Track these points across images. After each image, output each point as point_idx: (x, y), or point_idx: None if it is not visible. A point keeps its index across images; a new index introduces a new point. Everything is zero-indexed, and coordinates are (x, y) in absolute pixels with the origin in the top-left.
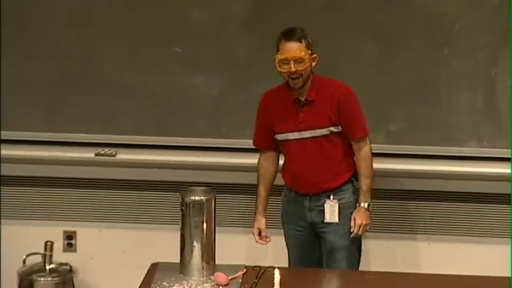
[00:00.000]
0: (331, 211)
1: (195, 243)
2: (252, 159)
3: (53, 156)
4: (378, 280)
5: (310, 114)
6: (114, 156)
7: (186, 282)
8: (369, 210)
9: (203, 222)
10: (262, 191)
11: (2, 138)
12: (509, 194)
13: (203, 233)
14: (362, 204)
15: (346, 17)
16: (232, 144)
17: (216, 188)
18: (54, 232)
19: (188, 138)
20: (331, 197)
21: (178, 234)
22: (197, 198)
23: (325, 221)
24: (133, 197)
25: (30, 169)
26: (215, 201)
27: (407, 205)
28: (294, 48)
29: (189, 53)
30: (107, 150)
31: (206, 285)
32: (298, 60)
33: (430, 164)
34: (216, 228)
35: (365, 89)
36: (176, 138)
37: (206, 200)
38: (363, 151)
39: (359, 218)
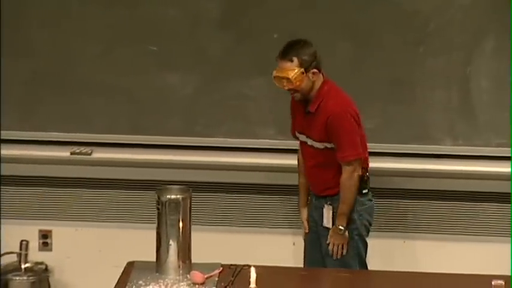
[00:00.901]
0: (327, 217)
1: (171, 242)
2: (227, 158)
3: (28, 155)
4: (351, 279)
5: (311, 125)
6: (90, 155)
7: (162, 281)
8: (342, 233)
9: (179, 221)
10: (300, 183)
11: None
12: (488, 192)
13: (179, 232)
14: (336, 225)
15: (321, 16)
16: (207, 143)
17: (192, 187)
18: (30, 231)
19: (163, 136)
20: (328, 203)
21: (154, 233)
22: (173, 196)
23: (323, 224)
24: (109, 196)
25: (5, 168)
26: (191, 199)
27: (383, 203)
28: (283, 68)
29: (163, 52)
30: (82, 149)
31: (182, 283)
32: (287, 80)
33: (405, 162)
34: (192, 226)
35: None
36: (151, 136)
37: (182, 198)
38: (343, 176)
39: (330, 238)
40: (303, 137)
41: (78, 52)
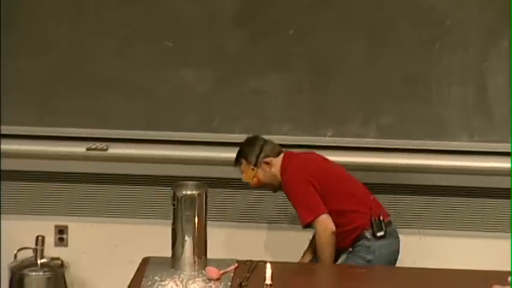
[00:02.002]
0: None
1: (186, 238)
2: None
3: (44, 151)
4: (367, 274)
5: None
6: (106, 150)
7: (177, 276)
8: None
9: (195, 217)
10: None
11: None
12: (503, 188)
13: (195, 228)
14: None
15: (336, 12)
16: (223, 139)
17: (208, 183)
18: (46, 226)
19: (179, 132)
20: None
21: (169, 229)
22: (189, 192)
23: None
24: (125, 192)
25: (22, 164)
26: (207, 195)
27: (399, 199)
28: (241, 172)
29: (179, 48)
30: (98, 144)
31: (198, 279)
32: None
33: (421, 158)
34: (208, 222)
35: (356, 84)
36: (167, 132)
37: (198, 194)
38: (316, 236)
39: None
40: None
41: (94, 49)
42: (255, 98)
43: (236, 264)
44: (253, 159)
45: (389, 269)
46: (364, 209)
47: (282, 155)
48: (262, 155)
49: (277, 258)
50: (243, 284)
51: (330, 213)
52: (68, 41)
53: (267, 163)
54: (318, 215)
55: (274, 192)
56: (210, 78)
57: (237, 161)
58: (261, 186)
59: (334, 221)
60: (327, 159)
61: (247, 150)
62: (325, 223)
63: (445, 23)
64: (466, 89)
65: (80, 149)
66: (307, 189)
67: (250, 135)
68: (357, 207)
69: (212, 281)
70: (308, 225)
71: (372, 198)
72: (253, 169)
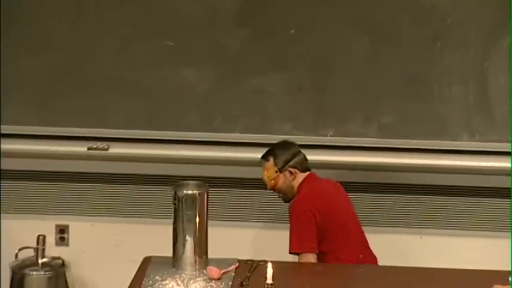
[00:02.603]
0: None
1: (187, 237)
2: (244, 153)
3: (45, 151)
4: (367, 274)
5: None
6: (107, 150)
7: (178, 276)
8: None
9: (196, 216)
10: None
11: None
12: (505, 188)
13: (196, 227)
14: None
15: (338, 11)
16: (224, 138)
17: (209, 182)
18: (47, 226)
19: (180, 132)
20: None
21: (170, 228)
22: (190, 192)
23: None
24: (126, 191)
25: (23, 163)
26: (208, 195)
27: (399, 199)
28: (263, 167)
29: (180, 47)
30: (99, 144)
31: (199, 279)
32: (265, 181)
33: (422, 157)
34: (209, 222)
35: (357, 83)
36: (168, 132)
37: (199, 194)
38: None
39: None
40: None
41: (95, 48)
42: (256, 97)
43: (237, 264)
44: (281, 163)
45: (390, 269)
46: (353, 257)
47: (307, 174)
48: (291, 163)
49: (279, 257)
50: (244, 283)
51: (320, 249)
52: (69, 40)
53: (292, 173)
54: (306, 251)
55: (284, 202)
56: (211, 77)
57: (264, 157)
58: (275, 190)
59: (320, 258)
60: (341, 194)
61: (279, 152)
62: (309, 261)
63: (446, 22)
64: (467, 88)
65: (80, 148)
66: (308, 221)
67: (287, 139)
68: (346, 255)
69: (213, 281)
70: (290, 251)
71: (366, 246)
72: (276, 171)
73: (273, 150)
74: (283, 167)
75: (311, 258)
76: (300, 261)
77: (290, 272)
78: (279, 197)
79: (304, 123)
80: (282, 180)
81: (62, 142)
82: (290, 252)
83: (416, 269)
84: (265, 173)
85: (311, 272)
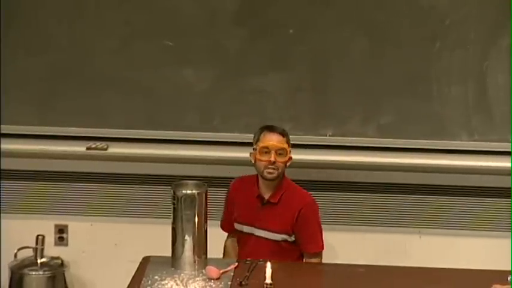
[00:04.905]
0: None
1: (186, 237)
2: (243, 153)
3: (44, 150)
4: (367, 274)
5: (269, 216)
6: (106, 150)
7: (177, 276)
8: None
9: (195, 216)
10: None
11: None
12: (504, 187)
13: (195, 227)
14: None
15: (337, 12)
16: (223, 138)
17: (208, 182)
18: (46, 226)
19: (179, 131)
20: None
21: (170, 228)
22: (189, 192)
23: None
24: (125, 191)
25: (22, 163)
26: (207, 195)
27: (398, 198)
28: (277, 139)
29: (180, 47)
30: (98, 144)
31: (198, 278)
32: (280, 151)
33: (421, 157)
34: (208, 222)
35: (356, 83)
36: (167, 132)
37: (198, 193)
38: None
39: None
40: (249, 229)
41: (94, 48)
42: (255, 97)
43: (236, 264)
44: (290, 145)
45: (389, 269)
46: None
47: None
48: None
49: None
50: (243, 283)
51: None
52: (68, 40)
53: (289, 161)
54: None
55: (269, 180)
56: (210, 77)
57: (277, 129)
58: (279, 167)
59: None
60: None
61: (288, 136)
62: (321, 259)
63: (445, 22)
64: (466, 88)
65: (80, 148)
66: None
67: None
68: None
69: (212, 281)
70: (312, 254)
71: None
72: (289, 152)
73: (283, 129)
74: (290, 149)
75: (321, 258)
76: (319, 258)
77: (289, 272)
78: (268, 173)
79: (303, 123)
80: (289, 161)
81: (61, 142)
82: (314, 252)
83: (415, 268)
84: (285, 145)
85: (310, 272)
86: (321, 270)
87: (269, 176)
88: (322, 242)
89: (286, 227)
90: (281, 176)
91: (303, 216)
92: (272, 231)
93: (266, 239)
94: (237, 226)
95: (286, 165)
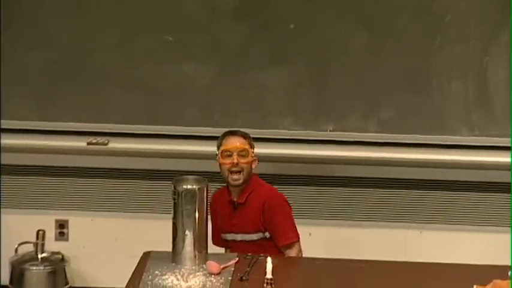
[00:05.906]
0: None
1: (187, 232)
2: None
3: (44, 145)
4: (368, 269)
5: (242, 218)
6: (106, 145)
7: (178, 271)
8: None
9: (195, 211)
10: None
11: None
12: (504, 182)
13: (195, 222)
14: None
15: (337, 6)
16: None
17: (209, 177)
18: (46, 221)
19: (180, 127)
20: None
21: (170, 223)
22: (189, 187)
23: None
24: (126, 186)
25: (22, 158)
26: (207, 190)
27: (399, 193)
28: (238, 141)
29: (180, 42)
30: (98, 139)
31: (198, 273)
32: (242, 153)
33: (421, 152)
34: (209, 217)
35: (356, 78)
36: (168, 127)
37: (198, 188)
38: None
39: None
40: (230, 236)
41: (95, 43)
42: (256, 92)
43: (237, 259)
44: (252, 147)
45: (389, 264)
46: None
47: None
48: (254, 152)
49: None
50: (243, 278)
51: None
52: (68, 35)
53: (255, 162)
54: (299, 238)
55: (235, 186)
56: (210, 72)
57: (238, 133)
58: (243, 169)
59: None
60: None
61: (251, 139)
62: (300, 249)
63: (446, 17)
64: (467, 83)
65: (80, 143)
66: (290, 211)
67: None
68: None
69: (213, 276)
70: (286, 246)
71: None
72: (253, 153)
73: (246, 133)
74: (253, 152)
75: (300, 248)
76: (295, 249)
77: (290, 267)
78: (234, 180)
79: (303, 118)
80: (255, 164)
81: (61, 137)
82: (287, 244)
83: (416, 263)
84: (247, 146)
85: (310, 267)
86: (322, 265)
87: (235, 183)
88: (294, 232)
89: (257, 225)
90: (247, 179)
91: (267, 210)
92: (247, 233)
93: (245, 241)
94: (222, 236)
95: (251, 167)
